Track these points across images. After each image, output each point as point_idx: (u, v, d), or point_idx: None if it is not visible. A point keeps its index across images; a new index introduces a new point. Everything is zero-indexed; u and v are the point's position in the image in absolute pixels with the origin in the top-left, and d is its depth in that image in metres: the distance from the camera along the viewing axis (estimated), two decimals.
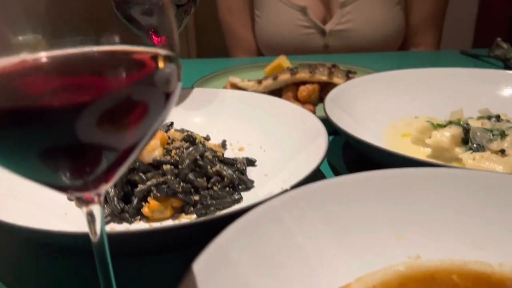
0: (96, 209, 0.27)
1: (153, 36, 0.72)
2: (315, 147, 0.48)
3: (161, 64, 0.26)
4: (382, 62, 1.06)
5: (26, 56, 0.23)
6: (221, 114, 0.64)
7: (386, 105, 0.67)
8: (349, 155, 0.60)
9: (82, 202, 0.26)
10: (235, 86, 0.78)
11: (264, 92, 0.77)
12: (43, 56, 0.23)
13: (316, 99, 0.76)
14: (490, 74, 0.69)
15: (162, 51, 0.27)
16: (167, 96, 0.25)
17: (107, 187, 0.26)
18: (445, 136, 0.53)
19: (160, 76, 0.25)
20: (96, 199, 0.26)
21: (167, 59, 0.27)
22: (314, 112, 0.72)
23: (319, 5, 1.13)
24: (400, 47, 1.22)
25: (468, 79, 0.69)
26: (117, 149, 0.23)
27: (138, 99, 0.23)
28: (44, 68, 0.22)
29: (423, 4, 1.16)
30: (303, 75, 0.75)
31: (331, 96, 0.62)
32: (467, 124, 0.55)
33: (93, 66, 0.22)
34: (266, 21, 1.17)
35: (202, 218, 0.36)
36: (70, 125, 0.20)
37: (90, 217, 0.27)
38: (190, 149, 0.48)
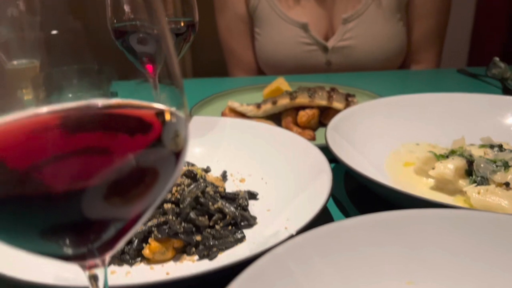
0: (100, 271, 0.26)
1: (150, 65, 0.70)
2: (318, 184, 0.47)
3: (167, 121, 0.25)
4: (381, 82, 1.06)
5: (23, 116, 0.22)
6: (221, 143, 0.63)
7: (387, 131, 0.66)
8: (352, 183, 0.60)
9: (85, 267, 0.25)
10: (234, 111, 0.77)
11: (263, 117, 0.77)
12: (41, 116, 0.22)
13: (315, 124, 0.75)
14: (492, 100, 0.68)
15: (165, 107, 0.26)
16: (177, 156, 0.24)
17: (113, 253, 0.25)
18: (449, 168, 0.53)
19: (168, 137, 0.24)
20: (100, 263, 0.25)
21: (172, 115, 0.26)
22: (314, 138, 0.72)
23: (320, 22, 1.12)
24: (401, 64, 1.21)
25: (469, 105, 0.69)
26: (125, 219, 0.22)
27: (146, 167, 0.22)
28: (42, 135, 0.21)
29: (424, 21, 1.16)
30: (302, 100, 0.75)
31: (333, 125, 0.61)
32: (471, 155, 0.54)
33: (95, 137, 0.21)
34: (266, 39, 1.16)
35: (205, 270, 0.35)
36: (74, 205, 0.19)
37: (93, 279, 0.26)
38: (192, 186, 0.47)
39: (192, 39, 0.64)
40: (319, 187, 0.46)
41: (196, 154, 0.62)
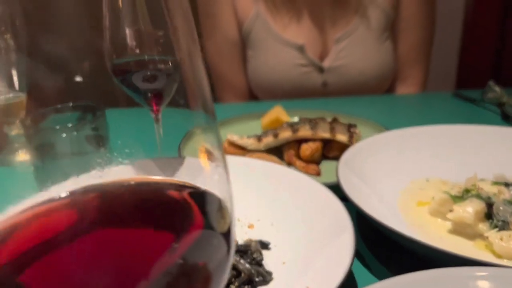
0: None
1: (156, 101, 0.65)
2: (339, 241, 0.44)
3: (208, 205, 0.22)
4: (377, 107, 1.05)
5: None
6: None
7: (396, 167, 0.64)
8: (365, 223, 0.57)
9: None
10: (233, 144, 0.74)
11: (264, 150, 0.74)
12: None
13: (319, 157, 0.73)
14: (501, 132, 0.67)
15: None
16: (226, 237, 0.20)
17: None
18: (468, 212, 0.51)
19: (213, 221, 0.21)
20: None
21: (211, 198, 0.22)
22: (319, 173, 0.69)
23: (314, 43, 1.11)
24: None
25: (479, 136, 0.67)
26: None
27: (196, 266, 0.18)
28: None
29: (409, 35, 1.17)
30: (305, 132, 0.72)
31: (343, 163, 0.59)
32: (489, 197, 0.53)
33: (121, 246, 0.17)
34: (261, 62, 1.14)
35: None
36: None
37: None
38: None
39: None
40: (340, 244, 0.43)
41: None
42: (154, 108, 0.63)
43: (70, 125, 0.62)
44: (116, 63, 0.62)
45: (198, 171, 0.24)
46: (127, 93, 0.59)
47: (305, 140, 0.73)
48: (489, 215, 0.52)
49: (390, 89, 1.22)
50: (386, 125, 0.81)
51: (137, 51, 0.60)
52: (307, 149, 0.71)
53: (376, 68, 1.12)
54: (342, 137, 0.72)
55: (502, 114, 0.92)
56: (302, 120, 0.77)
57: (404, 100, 1.14)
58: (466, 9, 1.82)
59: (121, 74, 0.59)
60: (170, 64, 0.64)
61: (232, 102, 1.21)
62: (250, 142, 0.73)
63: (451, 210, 0.53)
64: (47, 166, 0.22)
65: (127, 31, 0.58)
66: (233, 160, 0.63)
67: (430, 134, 0.68)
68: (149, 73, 0.60)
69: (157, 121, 0.63)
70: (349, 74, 1.11)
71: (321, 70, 1.12)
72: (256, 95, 1.21)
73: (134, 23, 0.59)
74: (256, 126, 0.87)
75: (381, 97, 1.15)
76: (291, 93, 1.12)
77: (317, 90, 1.13)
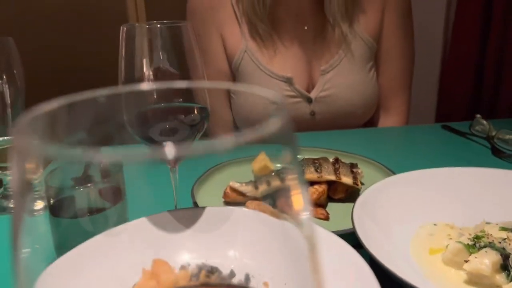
0: None
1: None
2: None
3: None
4: (368, 140, 1.07)
5: None
6: (236, 238, 0.58)
7: (405, 211, 0.65)
8: (377, 268, 0.57)
9: None
10: (235, 191, 0.74)
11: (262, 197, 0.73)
12: None
13: (325, 199, 0.73)
14: (504, 176, 0.69)
15: None
16: None
17: None
18: (485, 264, 0.51)
19: None
20: None
21: None
22: (327, 217, 0.69)
23: (301, 74, 1.14)
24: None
25: (483, 180, 0.69)
26: None
27: None
28: None
29: (389, 66, 1.21)
30: (310, 175, 0.72)
31: (358, 209, 0.59)
32: (504, 248, 0.53)
33: None
34: (251, 95, 1.14)
35: None
36: None
37: None
38: None
39: (206, 126, 0.60)
40: None
41: (211, 250, 0.57)
42: (172, 163, 0.60)
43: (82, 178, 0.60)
44: (134, 112, 0.59)
45: None
46: (141, 143, 0.57)
47: (310, 182, 0.73)
48: (504, 266, 0.52)
49: (374, 117, 1.25)
50: (379, 158, 0.84)
51: (157, 98, 0.57)
52: (314, 192, 0.71)
53: (362, 98, 1.16)
54: (347, 179, 0.72)
55: (492, 148, 0.95)
56: (306, 161, 0.77)
57: (393, 132, 1.16)
58: (445, 43, 1.89)
59: (139, 125, 0.56)
60: (196, 112, 0.62)
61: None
62: (249, 189, 0.73)
63: (466, 261, 0.53)
64: None
65: (146, 73, 0.56)
66: (245, 214, 0.61)
67: (437, 177, 0.69)
68: (170, 124, 0.57)
69: (173, 173, 0.61)
70: (336, 104, 1.14)
71: (309, 100, 1.15)
72: (242, 128, 1.21)
73: (152, 63, 0.57)
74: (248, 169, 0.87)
75: (370, 130, 1.17)
76: None
77: (305, 120, 1.15)
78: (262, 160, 0.79)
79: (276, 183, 0.74)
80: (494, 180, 0.68)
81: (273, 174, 0.77)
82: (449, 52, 1.81)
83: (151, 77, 0.58)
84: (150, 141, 0.57)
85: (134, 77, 0.56)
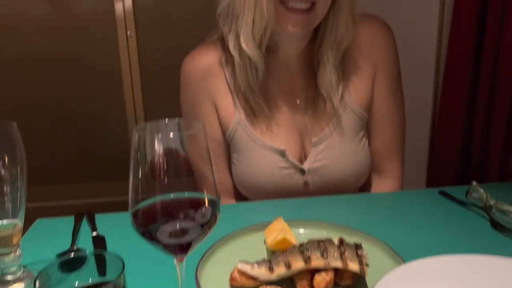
0: None
1: (182, 252, 0.62)
2: None
3: None
4: (362, 207, 1.08)
5: None
6: None
7: None
8: None
9: None
10: (244, 274, 0.72)
11: (276, 282, 0.72)
12: None
13: (332, 287, 0.72)
14: None
15: None
16: None
17: None
18: None
19: None
20: None
21: None
22: None
23: (294, 146, 1.16)
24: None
25: (493, 268, 0.69)
26: None
27: None
28: None
29: (382, 133, 1.23)
30: (317, 262, 0.71)
31: None
32: None
33: None
34: (245, 165, 1.16)
35: None
36: None
37: None
38: None
39: (216, 221, 0.59)
40: None
41: None
42: (179, 258, 0.59)
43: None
44: (140, 210, 0.56)
45: None
46: (147, 242, 0.56)
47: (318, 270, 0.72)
48: None
49: (367, 181, 1.26)
50: (375, 227, 0.87)
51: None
52: (321, 281, 0.70)
53: (354, 167, 1.17)
54: (354, 266, 0.72)
55: (490, 220, 0.96)
56: (311, 243, 0.76)
57: (388, 198, 1.17)
58: (434, 109, 1.96)
59: (144, 225, 0.54)
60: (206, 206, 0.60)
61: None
62: (262, 272, 0.71)
63: None
64: None
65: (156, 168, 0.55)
66: None
67: (448, 267, 0.69)
68: (180, 226, 0.55)
69: (180, 266, 0.59)
70: (329, 174, 1.15)
71: (302, 171, 1.15)
72: (245, 195, 1.22)
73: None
74: (259, 239, 0.85)
75: (365, 196, 1.18)
76: (274, 193, 1.14)
77: (299, 190, 1.16)
78: (279, 230, 0.78)
79: (298, 265, 0.74)
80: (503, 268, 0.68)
81: (294, 251, 0.76)
82: (438, 118, 1.86)
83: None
84: (158, 242, 0.56)
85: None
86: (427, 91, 1.95)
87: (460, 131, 1.75)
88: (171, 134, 0.56)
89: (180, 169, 0.56)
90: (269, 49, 1.11)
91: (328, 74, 1.10)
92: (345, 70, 1.14)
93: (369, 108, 1.18)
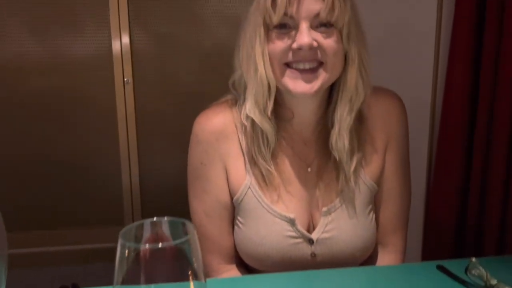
0: None
1: None
2: None
3: None
4: (365, 280, 1.05)
5: None
6: None
7: None
8: None
9: None
10: None
11: None
12: None
13: None
14: None
15: None
16: None
17: None
18: None
19: None
20: None
21: None
22: None
23: (303, 215, 1.12)
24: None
25: None
26: None
27: None
28: None
29: (389, 205, 1.21)
30: None
31: None
32: None
33: None
34: (251, 231, 1.12)
35: None
36: None
37: None
38: None
39: None
40: None
41: None
42: None
43: None
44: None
45: None
46: None
47: None
48: None
49: (371, 254, 1.23)
50: None
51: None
52: None
53: (362, 241, 1.14)
54: None
55: None
56: None
57: (390, 272, 1.14)
58: (428, 177, 1.97)
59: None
60: None
61: (218, 266, 1.16)
62: None
63: None
64: None
65: None
66: None
67: None
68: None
69: None
70: (337, 246, 1.12)
71: (310, 241, 1.12)
72: (247, 262, 1.17)
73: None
74: None
75: (368, 269, 1.16)
76: (279, 263, 1.10)
77: (305, 261, 1.11)
78: None
79: None
80: None
81: None
82: (432, 189, 1.87)
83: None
84: None
85: None
86: (420, 166, 1.97)
87: (455, 198, 1.75)
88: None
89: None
90: (284, 117, 1.11)
91: (341, 136, 1.07)
92: (359, 140, 1.12)
93: (379, 181, 1.17)
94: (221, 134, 1.12)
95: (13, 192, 2.43)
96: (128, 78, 2.41)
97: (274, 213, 1.10)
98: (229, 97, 1.17)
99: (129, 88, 2.42)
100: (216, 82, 2.25)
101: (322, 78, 1.02)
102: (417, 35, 1.96)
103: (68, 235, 2.52)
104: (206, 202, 1.14)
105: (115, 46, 2.37)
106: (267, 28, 1.01)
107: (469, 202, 1.71)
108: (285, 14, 0.98)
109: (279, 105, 1.10)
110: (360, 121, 1.13)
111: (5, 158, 2.40)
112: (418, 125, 1.97)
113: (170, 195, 2.45)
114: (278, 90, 1.07)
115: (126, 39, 2.37)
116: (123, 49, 2.38)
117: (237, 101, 1.14)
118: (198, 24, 2.40)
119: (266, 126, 1.06)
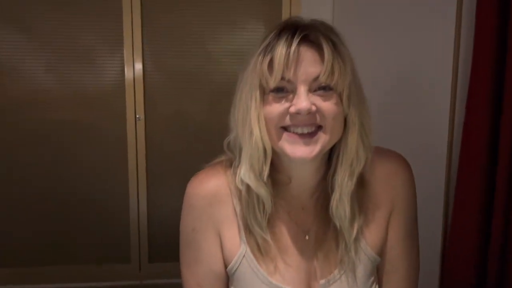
0: None
1: None
2: None
3: None
4: None
5: None
6: None
7: None
8: None
9: None
10: None
11: None
12: None
13: None
14: None
15: None
16: None
17: None
18: None
19: None
20: None
21: None
22: None
23: (300, 286, 1.04)
24: None
25: None
26: None
27: None
28: None
29: (393, 276, 1.11)
30: None
31: None
32: None
33: None
34: None
35: None
36: None
37: None
38: None
39: None
40: None
41: None
42: None
43: None
44: None
45: None
46: None
47: None
48: None
49: None
50: None
51: None
52: None
53: None
54: None
55: None
56: None
57: None
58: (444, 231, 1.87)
59: None
60: None
61: None
62: None
63: None
64: None
65: None
66: None
67: None
68: None
69: None
70: None
71: None
72: None
73: None
74: None
75: None
76: None
77: None
78: None
79: None
80: None
81: None
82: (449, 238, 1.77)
83: None
84: None
85: None
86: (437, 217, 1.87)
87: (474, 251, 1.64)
88: None
89: None
90: (281, 182, 1.05)
91: (342, 202, 1.00)
92: (361, 206, 1.05)
93: (381, 251, 1.08)
94: (215, 198, 1.06)
95: (20, 227, 2.43)
96: (140, 115, 2.41)
97: (270, 285, 1.03)
98: (223, 158, 1.11)
99: (141, 124, 2.42)
100: (227, 121, 2.23)
101: (322, 142, 0.95)
102: (431, 81, 1.89)
103: (73, 270, 2.50)
104: (198, 271, 1.08)
105: (128, 83, 2.39)
106: (263, 92, 0.96)
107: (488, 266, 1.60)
108: (283, 78, 0.92)
109: (276, 169, 1.04)
110: (361, 185, 1.05)
111: (13, 190, 2.41)
112: (434, 183, 1.89)
113: (178, 233, 2.41)
114: (274, 153, 1.01)
115: (139, 77, 2.38)
116: (136, 86, 2.39)
117: (231, 163, 1.08)
118: (210, 62, 2.40)
119: (262, 191, 1.00)
